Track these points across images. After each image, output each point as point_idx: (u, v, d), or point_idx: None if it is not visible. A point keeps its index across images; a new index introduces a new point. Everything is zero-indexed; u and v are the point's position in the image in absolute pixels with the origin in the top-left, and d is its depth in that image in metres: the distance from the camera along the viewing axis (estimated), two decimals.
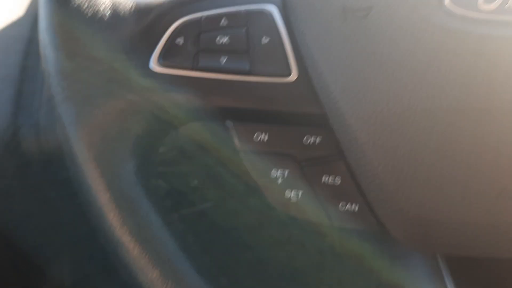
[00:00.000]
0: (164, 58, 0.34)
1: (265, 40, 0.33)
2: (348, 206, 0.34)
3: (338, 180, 0.33)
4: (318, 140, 0.33)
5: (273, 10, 0.33)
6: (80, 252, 0.64)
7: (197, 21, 0.34)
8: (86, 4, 0.34)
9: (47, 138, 0.54)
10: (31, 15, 0.60)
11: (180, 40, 0.34)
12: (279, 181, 0.34)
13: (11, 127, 0.54)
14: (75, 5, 0.34)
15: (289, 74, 0.33)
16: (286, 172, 0.34)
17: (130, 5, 0.35)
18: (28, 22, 0.60)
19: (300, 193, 0.34)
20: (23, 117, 0.54)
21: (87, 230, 0.60)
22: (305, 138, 0.33)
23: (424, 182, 0.31)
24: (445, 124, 0.30)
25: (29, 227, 0.60)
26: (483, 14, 0.30)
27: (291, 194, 0.34)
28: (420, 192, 0.32)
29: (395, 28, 0.31)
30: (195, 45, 0.33)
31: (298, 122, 0.33)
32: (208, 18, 0.33)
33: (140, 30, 0.34)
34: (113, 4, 0.35)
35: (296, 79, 0.33)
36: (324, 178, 0.33)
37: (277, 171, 0.34)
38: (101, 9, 0.34)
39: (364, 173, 0.32)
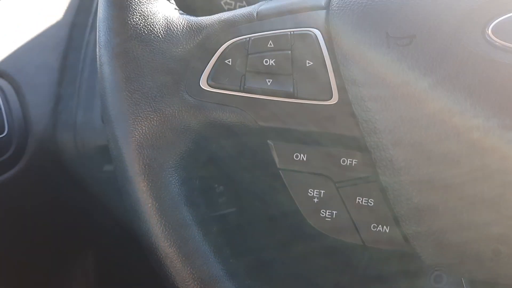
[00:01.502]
0: (214, 78, 0.35)
1: (308, 63, 0.34)
2: (379, 227, 0.34)
3: (371, 202, 0.34)
4: (354, 162, 0.34)
5: (317, 34, 0.34)
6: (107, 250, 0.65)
7: (245, 43, 0.35)
8: (142, 23, 0.36)
9: (82, 139, 0.56)
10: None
11: (229, 61, 0.35)
12: (315, 200, 0.35)
13: (50, 125, 0.55)
14: (131, 24, 0.35)
15: (330, 98, 0.34)
16: (322, 192, 0.35)
17: (183, 23, 0.36)
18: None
19: (334, 213, 0.35)
20: (62, 116, 0.56)
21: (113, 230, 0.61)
22: (342, 160, 0.34)
23: (457, 208, 0.32)
24: (482, 154, 0.31)
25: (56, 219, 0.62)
26: None
27: (326, 213, 0.35)
28: (451, 217, 0.32)
29: (437, 57, 0.31)
30: (242, 67, 0.35)
31: (336, 144, 0.34)
32: (256, 40, 0.35)
33: (191, 48, 0.36)
34: (166, 22, 0.36)
35: (336, 102, 0.33)
36: (358, 199, 0.34)
37: (314, 190, 0.35)
38: (156, 27, 0.36)
39: (398, 196, 0.33)
